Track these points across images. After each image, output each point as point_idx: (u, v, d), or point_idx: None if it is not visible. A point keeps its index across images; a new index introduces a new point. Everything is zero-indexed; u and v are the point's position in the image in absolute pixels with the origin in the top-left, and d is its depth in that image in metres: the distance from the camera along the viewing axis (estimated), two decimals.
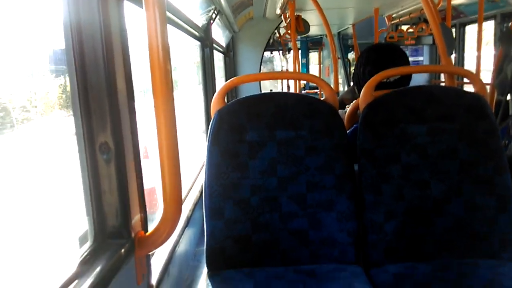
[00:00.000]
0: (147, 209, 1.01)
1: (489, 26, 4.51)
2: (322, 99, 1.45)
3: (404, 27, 5.88)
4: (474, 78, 1.50)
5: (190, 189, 2.17)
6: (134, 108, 0.93)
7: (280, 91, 8.03)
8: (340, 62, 7.54)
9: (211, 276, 1.33)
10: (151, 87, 0.87)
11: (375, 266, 1.36)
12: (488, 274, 1.29)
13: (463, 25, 5.25)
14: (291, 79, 5.56)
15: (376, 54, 1.69)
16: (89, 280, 0.76)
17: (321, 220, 1.37)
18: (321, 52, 9.41)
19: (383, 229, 1.37)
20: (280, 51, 8.39)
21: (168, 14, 1.77)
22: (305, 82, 7.75)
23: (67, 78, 0.84)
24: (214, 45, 3.26)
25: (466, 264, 1.33)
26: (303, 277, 1.30)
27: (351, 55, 8.01)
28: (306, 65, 9.43)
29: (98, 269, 0.79)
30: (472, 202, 1.37)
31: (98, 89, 0.84)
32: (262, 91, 4.81)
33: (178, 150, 0.93)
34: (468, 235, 1.37)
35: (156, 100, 0.88)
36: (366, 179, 1.38)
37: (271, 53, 9.24)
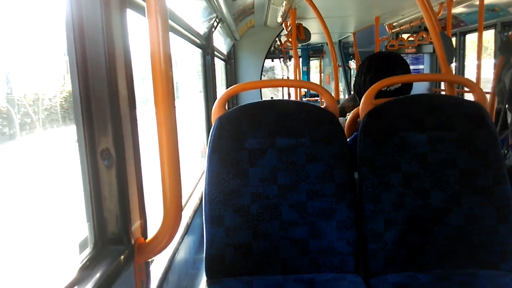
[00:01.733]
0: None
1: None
2: (322, 107, 1.46)
3: (405, 36, 5.93)
4: (474, 86, 1.50)
5: (190, 196, 2.17)
6: (136, 115, 0.93)
7: (281, 98, 8.06)
8: (340, 70, 7.59)
9: (210, 284, 1.33)
10: (153, 94, 0.88)
11: (375, 276, 1.36)
12: (488, 284, 1.28)
13: (463, 34, 5.28)
14: (292, 86, 5.57)
15: (377, 63, 1.69)
16: (89, 286, 0.76)
17: (321, 229, 1.37)
18: (322, 60, 9.46)
19: (383, 238, 1.36)
20: (281, 59, 8.44)
21: (170, 22, 1.78)
22: (305, 90, 7.78)
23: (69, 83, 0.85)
24: (216, 52, 3.28)
25: (466, 275, 1.32)
26: (302, 286, 1.30)
27: (352, 63, 8.06)
28: (307, 73, 9.48)
29: (97, 275, 0.79)
30: (472, 212, 1.37)
31: (100, 95, 0.84)
32: (263, 99, 4.83)
33: (179, 157, 0.94)
34: (468, 245, 1.36)
35: (157, 108, 0.89)
36: (366, 188, 1.38)
37: (272, 60, 9.29)
